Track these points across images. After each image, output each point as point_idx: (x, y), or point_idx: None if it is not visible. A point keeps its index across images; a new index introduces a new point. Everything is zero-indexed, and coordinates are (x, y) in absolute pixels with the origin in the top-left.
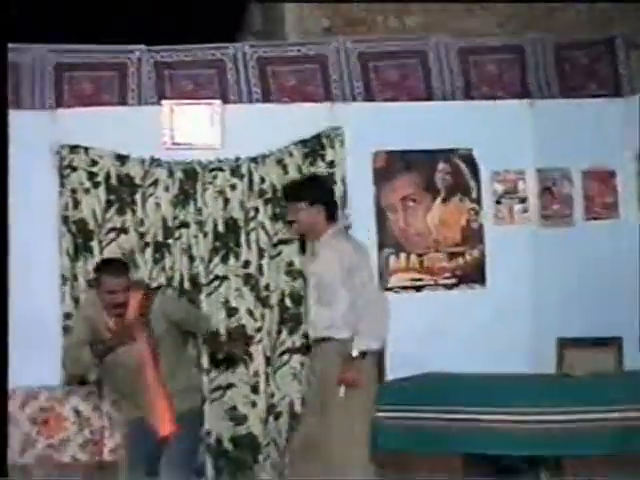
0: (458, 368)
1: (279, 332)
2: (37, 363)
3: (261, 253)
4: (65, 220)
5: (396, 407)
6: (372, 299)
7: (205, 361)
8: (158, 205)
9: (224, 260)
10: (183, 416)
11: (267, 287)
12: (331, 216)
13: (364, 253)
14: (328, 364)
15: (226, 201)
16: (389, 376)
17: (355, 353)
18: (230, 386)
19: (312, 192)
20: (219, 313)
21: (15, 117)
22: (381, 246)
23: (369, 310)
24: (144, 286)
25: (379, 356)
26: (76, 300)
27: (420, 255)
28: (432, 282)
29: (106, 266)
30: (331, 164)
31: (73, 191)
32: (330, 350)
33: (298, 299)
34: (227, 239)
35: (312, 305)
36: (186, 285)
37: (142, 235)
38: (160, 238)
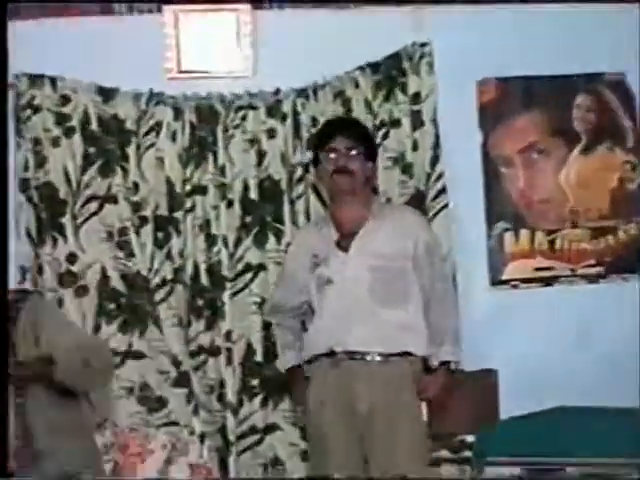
0: (605, 400)
1: None
2: None
3: None
4: (24, 185)
5: (515, 457)
6: (443, 295)
7: (230, 391)
8: (160, 161)
9: (259, 242)
10: None
11: None
12: (372, 180)
13: (434, 232)
14: (393, 391)
15: (261, 154)
16: (502, 411)
17: (436, 363)
18: (270, 428)
19: (369, 139)
20: (252, 322)
21: None
22: (491, 219)
23: (444, 308)
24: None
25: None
26: None
27: (550, 232)
28: (568, 272)
29: None
30: (415, 98)
31: (35, 142)
32: (399, 371)
33: None
34: (263, 211)
35: (365, 304)
36: (203, 279)
37: (137, 206)
38: (164, 210)
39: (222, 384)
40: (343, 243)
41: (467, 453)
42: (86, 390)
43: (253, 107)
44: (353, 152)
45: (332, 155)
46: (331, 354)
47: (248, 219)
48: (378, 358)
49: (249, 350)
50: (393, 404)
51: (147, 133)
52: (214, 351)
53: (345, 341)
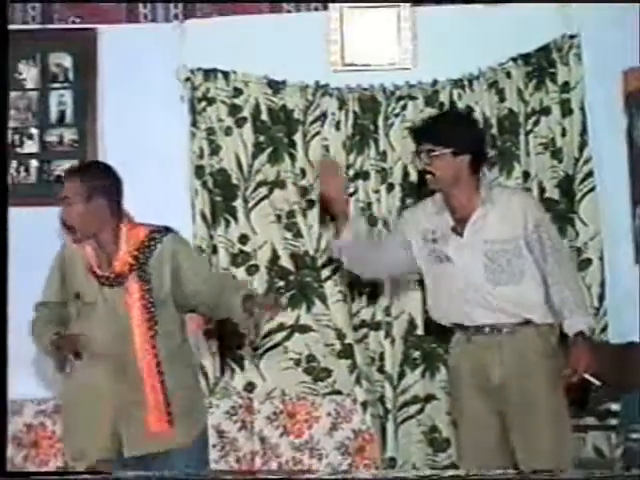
0: None
1: None
2: None
3: None
4: (199, 171)
5: None
6: (566, 268)
7: (388, 363)
8: (326, 148)
9: None
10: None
11: None
12: (476, 169)
13: (543, 209)
14: (523, 361)
15: None
16: None
17: (586, 330)
18: (429, 398)
19: (457, 135)
20: (412, 298)
21: (129, 34)
22: (636, 200)
23: (568, 282)
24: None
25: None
26: None
27: None
28: None
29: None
30: (564, 87)
31: (209, 132)
32: (527, 341)
33: None
34: (421, 193)
35: (479, 285)
36: None
37: (304, 190)
38: None
39: (382, 356)
40: (458, 229)
41: (613, 421)
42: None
43: (412, 97)
44: (434, 153)
45: (420, 157)
46: (462, 327)
47: (408, 201)
48: (505, 329)
49: (411, 324)
50: (525, 374)
51: (313, 122)
52: (375, 325)
53: (469, 317)
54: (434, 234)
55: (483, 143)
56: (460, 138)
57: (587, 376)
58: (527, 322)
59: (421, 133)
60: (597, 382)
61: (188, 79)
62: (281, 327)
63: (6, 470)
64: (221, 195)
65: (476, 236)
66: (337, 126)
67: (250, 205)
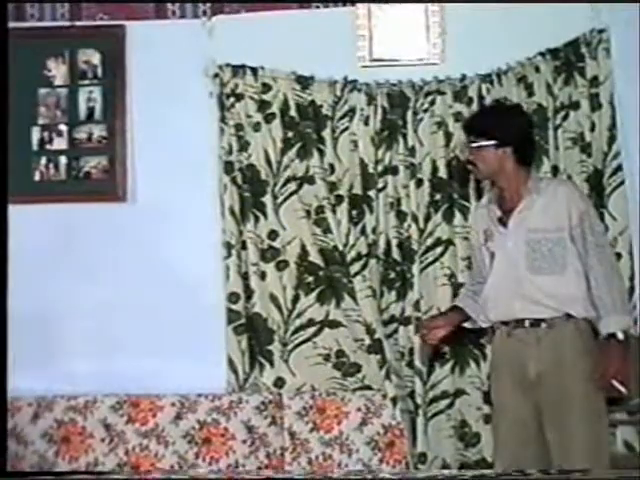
0: None
1: None
2: (200, 365)
3: None
4: (228, 167)
5: None
6: (607, 266)
7: (417, 357)
8: (354, 144)
9: (447, 218)
10: None
11: None
12: (523, 161)
13: (590, 203)
14: (560, 355)
15: (448, 136)
16: None
17: (619, 333)
18: (459, 393)
19: (499, 128)
20: (443, 293)
21: (158, 30)
22: None
23: (607, 280)
24: None
25: None
26: (244, 277)
27: None
28: None
29: None
30: (593, 81)
31: (238, 128)
32: (564, 334)
33: None
34: (450, 189)
35: (520, 274)
36: (394, 254)
37: (333, 186)
38: (358, 190)
39: (412, 351)
40: (504, 219)
41: None
42: None
43: (441, 92)
44: (476, 145)
45: (463, 148)
46: (504, 323)
47: (437, 197)
48: (544, 324)
49: None
50: (561, 371)
51: (342, 118)
52: (404, 320)
53: (511, 311)
54: (486, 233)
55: (528, 135)
56: (502, 131)
57: (615, 382)
58: (566, 316)
59: (467, 126)
60: (623, 390)
61: (217, 75)
62: (311, 322)
63: (6, 470)
64: (250, 191)
65: (520, 225)
66: (366, 121)
67: (279, 201)
